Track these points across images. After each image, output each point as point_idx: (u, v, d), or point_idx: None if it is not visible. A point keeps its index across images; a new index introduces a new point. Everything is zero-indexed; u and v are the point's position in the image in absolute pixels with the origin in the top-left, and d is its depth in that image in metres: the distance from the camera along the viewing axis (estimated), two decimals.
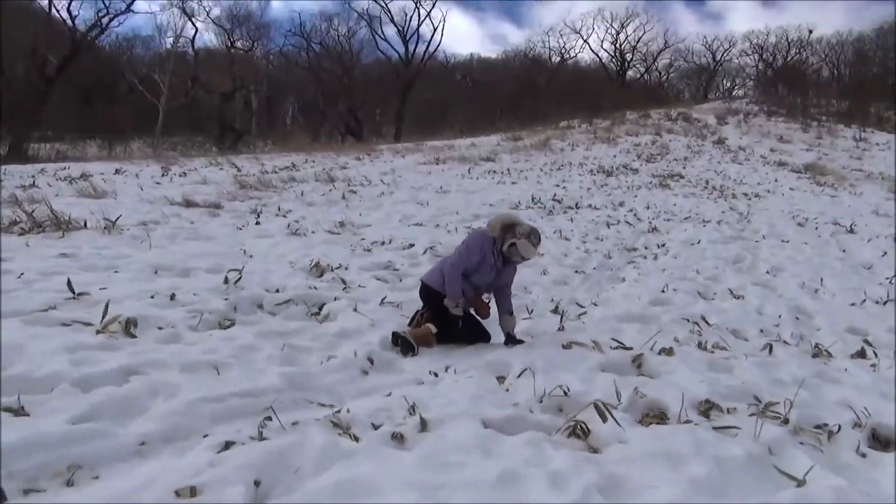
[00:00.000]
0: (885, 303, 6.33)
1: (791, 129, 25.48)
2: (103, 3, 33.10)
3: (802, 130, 25.35)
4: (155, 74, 32.56)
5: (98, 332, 3.71)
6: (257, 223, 8.14)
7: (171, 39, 35.25)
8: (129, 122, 32.28)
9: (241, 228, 7.76)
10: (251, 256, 6.33)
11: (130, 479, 2.30)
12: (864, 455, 2.86)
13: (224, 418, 2.83)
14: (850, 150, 22.18)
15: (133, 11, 36.29)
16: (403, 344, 4.11)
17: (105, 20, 33.88)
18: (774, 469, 2.47)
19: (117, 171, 12.00)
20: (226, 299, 4.62)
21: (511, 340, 4.37)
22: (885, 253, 8.86)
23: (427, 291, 4.42)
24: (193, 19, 36.23)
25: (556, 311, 5.36)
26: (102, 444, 2.48)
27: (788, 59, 44.26)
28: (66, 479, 2.28)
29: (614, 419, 2.76)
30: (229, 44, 36.26)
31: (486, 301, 4.54)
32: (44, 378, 2.97)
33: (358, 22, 41.62)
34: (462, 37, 62.35)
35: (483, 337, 4.47)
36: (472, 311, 4.53)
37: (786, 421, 3.01)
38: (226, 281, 5.07)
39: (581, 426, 2.70)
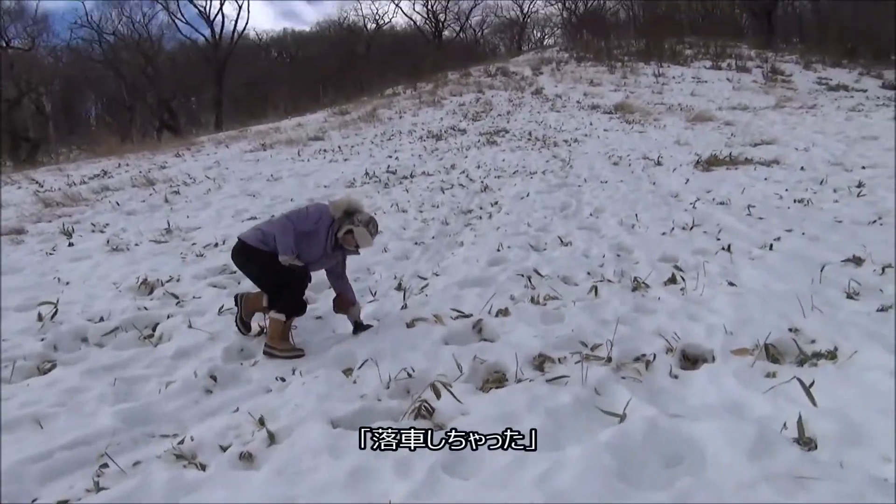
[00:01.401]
0: (690, 228, 7.01)
1: (600, 72, 27.17)
2: None
3: (609, 72, 27.11)
4: None
5: None
6: (70, 244, 7.45)
7: None
8: None
9: (51, 253, 7.07)
10: (67, 283, 5.81)
11: None
12: (676, 377, 3.23)
13: (54, 476, 2.64)
14: (652, 85, 24.05)
15: None
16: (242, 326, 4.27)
17: None
18: (600, 409, 2.73)
19: None
20: (42, 339, 4.24)
21: (358, 328, 4.39)
22: (688, 180, 9.81)
23: (244, 249, 4.08)
24: None
25: (399, 287, 5.46)
26: None
27: (588, 5, 47.06)
28: None
29: (451, 394, 2.90)
30: (4, 43, 32.27)
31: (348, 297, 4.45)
32: None
33: (153, 6, 38.64)
34: (255, 16, 59.62)
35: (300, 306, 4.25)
36: (333, 305, 4.47)
37: (609, 360, 3.32)
38: (39, 318, 4.65)
39: (425, 406, 2.82)
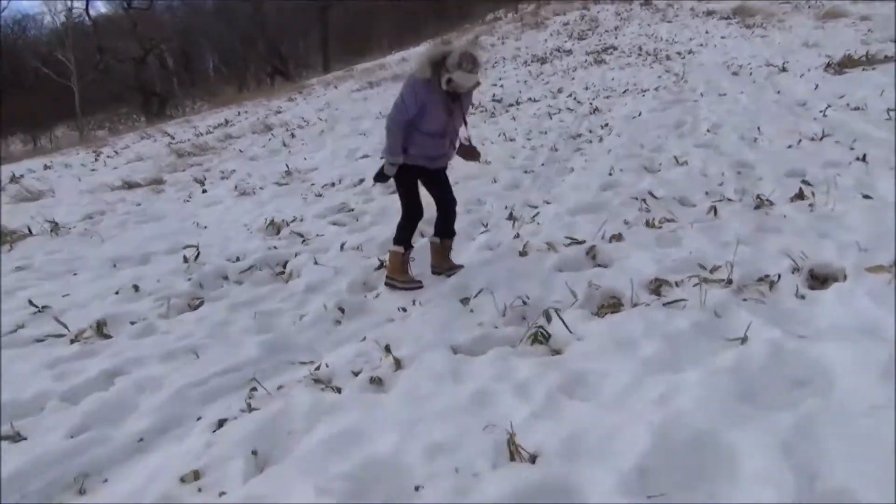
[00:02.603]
0: (820, 138, 6.51)
1: None
2: None
3: None
4: (58, 54, 30.80)
5: (72, 341, 3.78)
6: (203, 191, 8.05)
7: (63, 14, 33.12)
8: (46, 109, 30.85)
9: (188, 200, 7.68)
10: (205, 227, 6.32)
11: (137, 476, 2.46)
12: (803, 297, 3.10)
13: (212, 398, 2.98)
14: None
15: None
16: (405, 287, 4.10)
17: None
18: (719, 332, 2.69)
19: (47, 167, 11.61)
20: (189, 279, 4.68)
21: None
22: (817, 86, 9.02)
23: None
24: None
25: (510, 217, 5.48)
26: (103, 449, 2.63)
27: None
28: (78, 489, 2.43)
29: (561, 320, 2.94)
30: (126, 5, 34.16)
31: (468, 144, 4.31)
32: (32, 399, 3.08)
33: None
34: None
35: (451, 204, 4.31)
36: (462, 157, 4.33)
37: (729, 282, 3.23)
38: (185, 260, 5.11)
39: (541, 332, 2.89)
